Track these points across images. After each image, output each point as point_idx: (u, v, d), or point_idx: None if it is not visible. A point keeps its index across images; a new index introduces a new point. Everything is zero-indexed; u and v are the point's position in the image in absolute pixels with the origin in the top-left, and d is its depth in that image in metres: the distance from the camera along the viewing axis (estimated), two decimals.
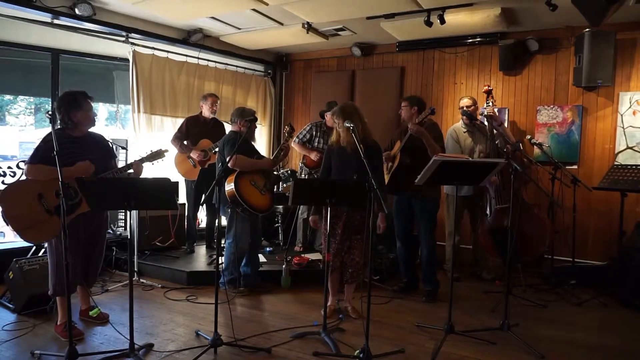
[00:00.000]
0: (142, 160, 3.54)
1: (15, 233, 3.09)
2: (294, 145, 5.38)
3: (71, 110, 3.23)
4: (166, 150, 3.70)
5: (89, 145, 3.34)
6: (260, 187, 4.13)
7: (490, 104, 4.73)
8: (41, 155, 3.10)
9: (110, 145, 3.56)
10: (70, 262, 2.77)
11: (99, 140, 3.48)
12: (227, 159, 3.88)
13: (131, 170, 3.45)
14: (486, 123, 4.60)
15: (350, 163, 3.61)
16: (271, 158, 4.43)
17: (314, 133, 5.32)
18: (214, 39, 6.02)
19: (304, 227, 5.50)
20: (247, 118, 4.09)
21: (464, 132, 4.86)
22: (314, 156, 5.20)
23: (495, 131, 4.50)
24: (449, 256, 4.93)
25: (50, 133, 2.98)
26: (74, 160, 3.19)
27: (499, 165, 3.31)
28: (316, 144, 5.28)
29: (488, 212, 4.54)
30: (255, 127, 4.35)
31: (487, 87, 4.85)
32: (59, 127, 3.30)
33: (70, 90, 3.32)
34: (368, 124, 3.75)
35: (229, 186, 3.95)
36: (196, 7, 4.69)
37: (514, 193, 3.61)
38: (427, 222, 4.20)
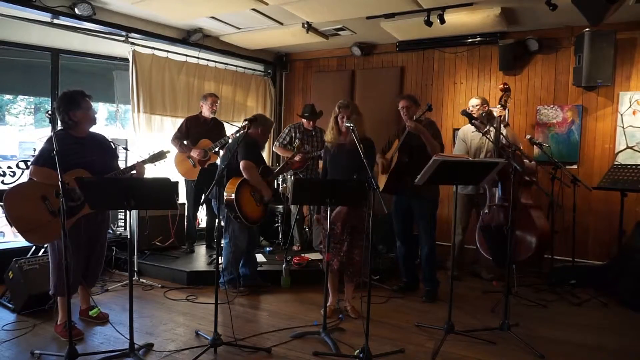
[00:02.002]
0: (145, 161, 3.54)
1: (19, 234, 3.09)
2: (275, 149, 5.53)
3: (70, 109, 3.22)
4: (168, 151, 3.70)
5: (92, 145, 3.34)
6: (258, 199, 4.14)
7: (502, 103, 4.50)
8: (46, 157, 3.09)
9: (113, 146, 3.56)
10: (71, 263, 2.77)
11: (102, 140, 3.48)
12: (239, 161, 3.94)
13: (134, 172, 3.45)
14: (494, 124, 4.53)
15: (343, 161, 3.64)
16: (275, 172, 4.43)
17: (294, 135, 5.36)
18: (213, 38, 6.02)
19: (298, 227, 5.52)
20: (247, 118, 4.08)
21: (472, 133, 4.78)
22: (297, 158, 5.16)
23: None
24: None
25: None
26: (78, 162, 3.19)
27: (498, 165, 3.29)
28: None
29: (486, 209, 4.54)
30: (268, 137, 4.40)
31: (503, 85, 4.54)
32: (60, 128, 3.30)
33: (68, 90, 3.30)
34: (367, 123, 3.77)
35: (230, 192, 3.95)
36: (196, 7, 4.69)
37: (508, 192, 3.58)
38: (427, 222, 4.20)
